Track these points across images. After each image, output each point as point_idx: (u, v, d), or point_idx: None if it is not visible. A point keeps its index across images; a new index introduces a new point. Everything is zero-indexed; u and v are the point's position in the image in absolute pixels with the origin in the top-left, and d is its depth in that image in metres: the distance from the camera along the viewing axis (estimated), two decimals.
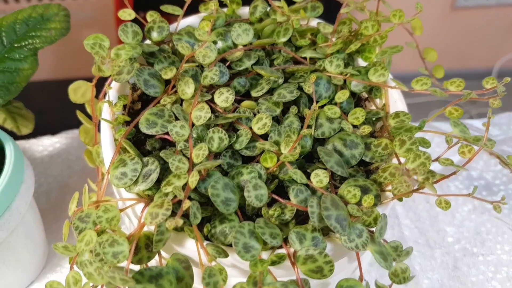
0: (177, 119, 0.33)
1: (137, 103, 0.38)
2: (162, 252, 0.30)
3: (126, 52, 0.31)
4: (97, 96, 0.39)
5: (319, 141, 0.36)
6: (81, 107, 0.40)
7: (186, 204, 0.27)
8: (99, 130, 0.38)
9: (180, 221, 0.25)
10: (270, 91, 0.37)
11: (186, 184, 0.30)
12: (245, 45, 0.38)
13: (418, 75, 0.37)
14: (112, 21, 1.08)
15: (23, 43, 0.46)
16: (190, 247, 0.30)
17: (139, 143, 0.36)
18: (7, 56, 0.46)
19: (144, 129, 0.33)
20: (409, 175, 0.28)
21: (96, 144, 0.38)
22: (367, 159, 0.35)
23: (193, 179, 0.29)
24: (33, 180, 0.46)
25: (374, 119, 0.38)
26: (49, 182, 0.60)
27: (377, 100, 0.40)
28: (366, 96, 0.41)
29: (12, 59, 0.46)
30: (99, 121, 0.38)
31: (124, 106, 0.37)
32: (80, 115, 0.38)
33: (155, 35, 0.38)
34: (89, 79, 0.39)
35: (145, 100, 0.39)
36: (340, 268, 0.34)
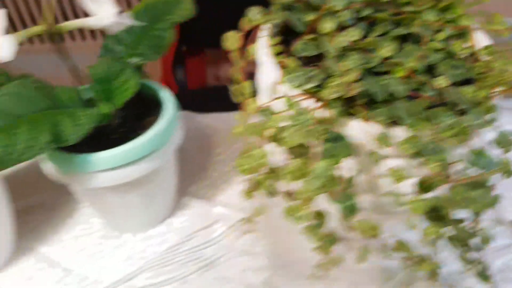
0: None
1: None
2: None
3: None
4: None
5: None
6: None
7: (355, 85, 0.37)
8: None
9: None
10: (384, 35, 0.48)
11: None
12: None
13: None
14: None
15: (166, 18, 0.58)
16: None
17: None
18: (154, 26, 0.57)
19: (299, 52, 0.43)
20: None
21: (243, 80, 0.48)
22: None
23: (349, 76, 0.39)
24: (181, 129, 0.55)
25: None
26: None
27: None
28: None
29: (157, 29, 0.57)
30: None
31: None
32: (231, 58, 0.48)
33: None
34: None
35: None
36: None
